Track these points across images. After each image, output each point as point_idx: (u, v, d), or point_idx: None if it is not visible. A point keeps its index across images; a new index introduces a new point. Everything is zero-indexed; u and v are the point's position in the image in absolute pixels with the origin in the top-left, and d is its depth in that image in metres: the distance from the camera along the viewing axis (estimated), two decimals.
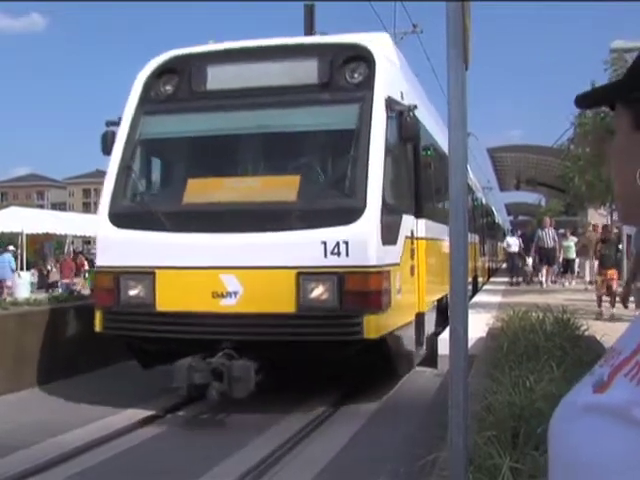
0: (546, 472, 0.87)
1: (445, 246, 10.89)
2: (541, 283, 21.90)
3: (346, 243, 7.02)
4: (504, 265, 31.85)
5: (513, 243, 25.28)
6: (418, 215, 9.12)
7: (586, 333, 8.36)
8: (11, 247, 26.89)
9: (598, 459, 0.78)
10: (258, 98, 8.04)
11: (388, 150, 7.70)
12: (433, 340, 9.52)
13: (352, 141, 7.67)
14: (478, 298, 17.00)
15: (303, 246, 7.17)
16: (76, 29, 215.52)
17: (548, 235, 21.55)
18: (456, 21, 2.98)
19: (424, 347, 9.36)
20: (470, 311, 9.30)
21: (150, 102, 8.50)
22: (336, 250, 7.04)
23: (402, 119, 7.95)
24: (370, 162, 7.40)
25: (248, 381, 7.02)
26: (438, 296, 10.73)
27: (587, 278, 21.49)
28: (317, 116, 8.25)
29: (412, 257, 8.72)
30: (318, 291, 7.13)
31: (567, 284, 22.30)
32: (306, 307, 7.14)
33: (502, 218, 49.32)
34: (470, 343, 8.05)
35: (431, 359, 9.13)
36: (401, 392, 7.91)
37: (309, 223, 7.30)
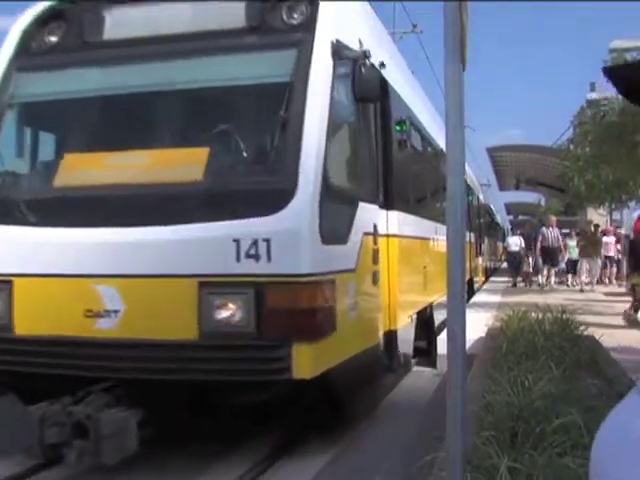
0: (545, 472, 0.86)
1: (431, 246, 9.96)
2: (540, 284, 21.50)
3: (267, 241, 4.90)
4: (504, 265, 31.52)
5: (513, 242, 24.55)
6: (389, 206, 7.05)
7: (585, 333, 8.38)
8: None
9: None
10: (162, 47, 5.91)
11: (335, 112, 5.58)
12: (433, 340, 9.46)
13: (282, 99, 5.34)
14: (477, 298, 17.01)
15: (207, 245, 5.09)
16: None
17: (553, 234, 21.07)
18: (454, 20, 2.98)
19: (398, 370, 7.56)
20: (469, 311, 9.31)
21: (27, 56, 6.29)
22: (253, 251, 4.93)
23: (356, 70, 5.83)
24: (306, 126, 5.21)
25: (124, 439, 5.00)
26: (419, 308, 8.79)
27: (584, 278, 21.31)
28: (237, 67, 5.98)
29: (375, 261, 6.49)
30: (227, 310, 5.01)
31: (570, 285, 22.06)
32: (211, 333, 5.05)
33: (502, 217, 49.31)
34: (469, 343, 8.11)
35: (430, 359, 9.11)
36: (400, 392, 7.90)
37: (216, 213, 5.15)
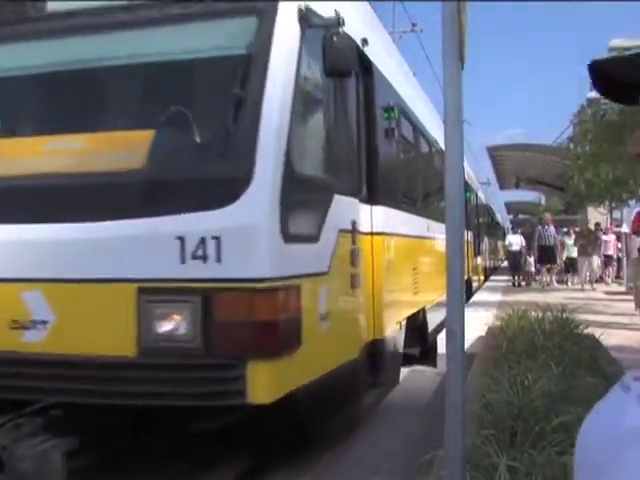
0: (544, 471, 0.86)
1: (424, 246, 9.52)
2: (541, 283, 21.41)
3: (217, 240, 4.11)
4: (504, 264, 31.36)
5: (514, 241, 24.11)
6: (374, 201, 6.34)
7: (585, 332, 8.38)
8: None
9: None
10: (99, 19, 5.04)
11: (303, 89, 4.82)
12: (433, 338, 9.45)
13: (239, 73, 4.47)
14: (478, 297, 17.01)
15: (147, 245, 4.29)
16: None
17: (549, 232, 20.98)
18: (452, 19, 2.99)
19: (385, 384, 6.80)
20: (470, 310, 9.22)
21: None
22: (201, 252, 4.14)
23: (327, 38, 4.94)
24: (265, 104, 4.34)
25: (46, 474, 4.22)
26: (410, 312, 8.16)
27: (583, 277, 21.22)
28: (186, 38, 5.01)
29: (355, 262, 5.63)
30: (170, 322, 4.21)
31: (570, 284, 22.05)
32: (151, 349, 4.25)
33: (502, 216, 49.30)
34: (470, 342, 8.13)
35: (430, 358, 9.11)
36: (400, 391, 7.89)
37: (158, 206, 4.30)
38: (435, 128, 10.92)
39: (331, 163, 5.53)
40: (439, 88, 18.69)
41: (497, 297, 17.23)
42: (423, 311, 9.06)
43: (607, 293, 18.62)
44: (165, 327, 4.21)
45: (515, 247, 23.60)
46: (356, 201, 5.82)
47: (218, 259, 4.13)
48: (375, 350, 6.29)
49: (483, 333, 9.73)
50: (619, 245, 22.55)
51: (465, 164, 13.68)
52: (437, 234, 9.61)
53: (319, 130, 5.47)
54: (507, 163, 34.70)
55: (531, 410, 4.47)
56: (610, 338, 9.04)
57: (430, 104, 12.04)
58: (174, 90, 5.04)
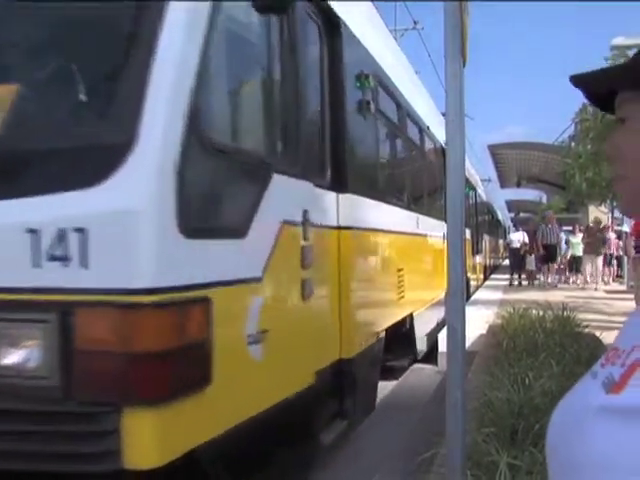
0: (544, 469, 0.88)
1: (412, 243, 8.42)
2: (543, 282, 20.97)
3: (82, 233, 2.83)
4: (505, 262, 30.89)
5: (516, 239, 23.28)
6: (341, 187, 5.07)
7: (585, 330, 8.39)
8: None
9: (621, 460, 0.76)
10: None
11: (220, 31, 3.44)
12: (434, 337, 9.41)
13: (128, 14, 3.25)
14: (478, 295, 17.00)
15: None
16: None
17: (552, 230, 20.43)
18: (454, 17, 2.99)
19: (356, 411, 5.39)
20: (471, 308, 9.19)
21: None
22: (61, 250, 2.83)
23: None
24: (161, 50, 2.97)
25: None
26: (391, 322, 6.79)
27: (588, 276, 20.91)
28: None
29: (305, 263, 4.21)
30: (18, 349, 2.89)
31: (572, 283, 21.75)
32: None
33: (503, 215, 49.21)
34: (471, 340, 8.12)
35: (431, 356, 9.10)
36: (401, 388, 7.89)
37: (5, 185, 2.98)
38: (425, 110, 10.11)
39: (272, 134, 4.19)
40: (440, 86, 18.68)
41: (498, 295, 17.23)
42: (410, 319, 7.91)
43: (608, 292, 18.61)
44: (10, 357, 2.89)
45: (517, 245, 22.91)
46: (310, 185, 4.43)
47: (83, 261, 2.81)
48: (342, 372, 5.08)
49: (484, 331, 9.74)
50: (620, 244, 22.48)
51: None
52: (430, 231, 9.15)
53: (253, 89, 4.16)
54: (508, 161, 34.70)
55: (532, 408, 4.48)
56: (611, 336, 9.04)
57: (424, 89, 11.30)
58: (46, 35, 3.53)
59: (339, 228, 5.02)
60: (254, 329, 3.54)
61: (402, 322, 7.43)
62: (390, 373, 7.48)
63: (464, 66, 3.06)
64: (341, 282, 5.03)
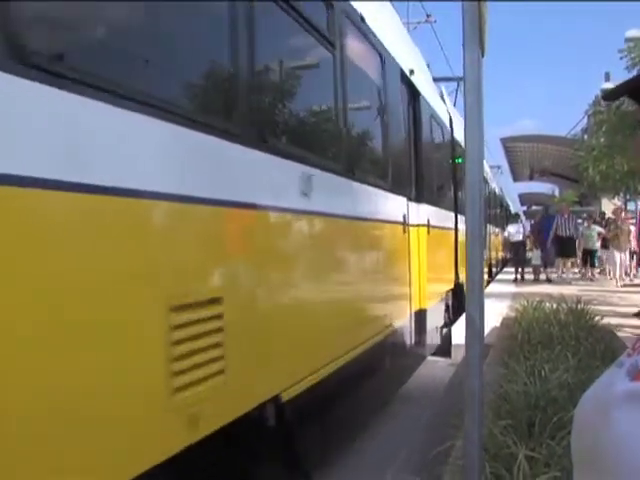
0: (562, 461, 0.88)
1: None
2: (561, 277, 19.52)
3: None
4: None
5: (515, 231, 21.76)
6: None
7: (600, 323, 8.35)
8: None
9: None
10: None
11: None
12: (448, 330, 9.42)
13: None
14: (491, 288, 16.95)
15: None
16: None
17: (568, 222, 19.22)
18: (472, 7, 2.97)
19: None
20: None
21: None
22: None
23: None
24: None
25: None
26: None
27: (617, 272, 18.69)
28: None
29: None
30: None
31: (588, 278, 20.36)
32: None
33: (516, 208, 48.94)
34: (484, 333, 8.07)
35: (445, 349, 9.09)
36: (415, 381, 7.89)
37: None
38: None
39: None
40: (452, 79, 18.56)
41: (511, 288, 17.18)
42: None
43: (622, 285, 18.45)
44: None
45: (517, 237, 21.44)
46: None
47: None
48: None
49: (497, 324, 9.71)
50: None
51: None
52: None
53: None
54: (521, 154, 34.57)
55: (549, 400, 4.46)
56: (626, 330, 9.02)
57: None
58: None
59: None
60: None
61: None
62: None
63: (483, 56, 3.04)
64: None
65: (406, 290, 7.01)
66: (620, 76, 16.95)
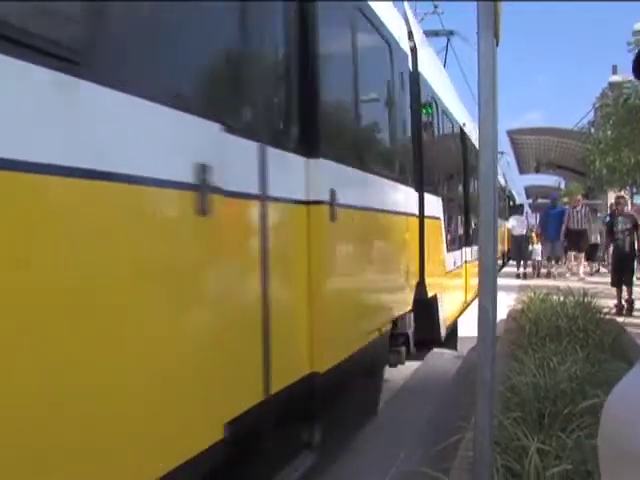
0: (573, 454, 0.86)
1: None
2: (552, 275, 18.35)
3: None
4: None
5: (518, 224, 20.44)
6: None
7: (607, 316, 8.33)
8: None
9: None
10: None
11: None
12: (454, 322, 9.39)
13: None
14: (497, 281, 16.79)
15: None
16: None
17: (580, 214, 17.62)
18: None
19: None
20: None
21: None
22: None
23: None
24: None
25: None
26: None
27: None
28: None
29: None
30: None
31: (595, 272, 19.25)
32: None
33: (521, 199, 48.74)
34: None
35: (451, 341, 9.06)
36: (421, 374, 7.87)
37: None
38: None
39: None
40: (459, 70, 18.48)
41: (517, 281, 17.13)
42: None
43: None
44: None
45: (518, 230, 20.13)
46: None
47: None
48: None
49: (504, 316, 9.68)
50: None
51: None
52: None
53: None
54: (527, 147, 34.45)
55: (558, 393, 4.44)
56: (633, 322, 9.00)
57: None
58: None
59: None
60: None
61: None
62: None
63: (497, 44, 3.00)
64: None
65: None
66: (628, 69, 16.80)
